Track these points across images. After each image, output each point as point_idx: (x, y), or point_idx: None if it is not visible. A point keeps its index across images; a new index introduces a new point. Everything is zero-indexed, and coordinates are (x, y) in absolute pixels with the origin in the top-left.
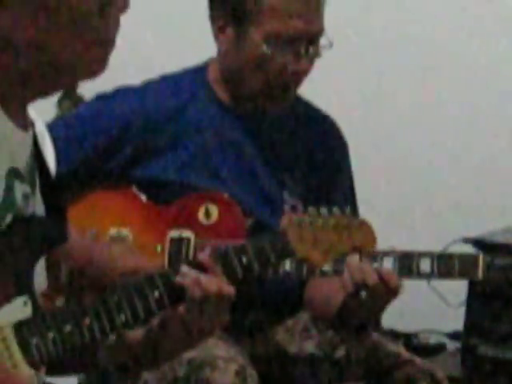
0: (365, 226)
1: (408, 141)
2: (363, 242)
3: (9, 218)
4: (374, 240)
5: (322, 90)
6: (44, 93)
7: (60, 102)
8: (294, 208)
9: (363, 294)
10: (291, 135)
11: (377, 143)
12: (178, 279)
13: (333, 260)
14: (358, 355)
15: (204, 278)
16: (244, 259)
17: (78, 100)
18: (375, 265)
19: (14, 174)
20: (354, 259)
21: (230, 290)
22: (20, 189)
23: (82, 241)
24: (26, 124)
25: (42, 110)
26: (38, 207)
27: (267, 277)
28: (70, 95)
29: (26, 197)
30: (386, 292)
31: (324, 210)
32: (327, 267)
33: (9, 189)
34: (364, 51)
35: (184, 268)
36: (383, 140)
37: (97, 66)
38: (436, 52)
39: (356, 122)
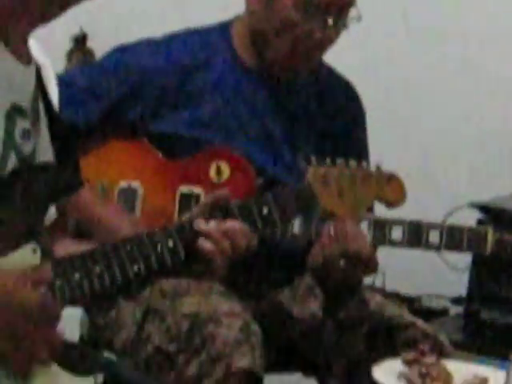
0: (394, 181)
1: (415, 102)
2: (392, 197)
3: (12, 158)
4: (403, 195)
5: None
6: (44, 16)
7: (70, 55)
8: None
9: (342, 262)
10: (310, 100)
11: (382, 107)
12: (200, 242)
13: (360, 214)
14: (360, 316)
15: (216, 232)
16: (265, 209)
17: (88, 53)
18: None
19: (15, 109)
20: (331, 224)
21: (242, 243)
22: (20, 125)
23: (92, 199)
24: (27, 58)
25: (52, 62)
26: (46, 153)
27: (276, 236)
28: (79, 48)
29: (25, 133)
30: (363, 263)
31: (353, 163)
32: None
33: (10, 126)
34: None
35: (197, 222)
36: (389, 102)
37: None
38: None
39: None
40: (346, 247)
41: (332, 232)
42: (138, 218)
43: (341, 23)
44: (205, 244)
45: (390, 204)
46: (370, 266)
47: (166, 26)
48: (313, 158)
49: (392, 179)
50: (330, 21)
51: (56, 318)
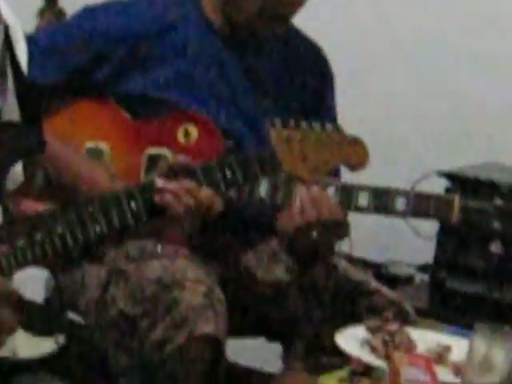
0: (358, 144)
1: (383, 69)
2: (355, 160)
3: None
4: (366, 158)
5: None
6: None
7: (41, 13)
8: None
9: (314, 233)
10: (278, 63)
11: (353, 75)
12: (157, 197)
13: (323, 175)
14: (325, 282)
15: (179, 189)
16: (228, 172)
17: (60, 13)
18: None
19: None
20: (304, 192)
21: (219, 204)
22: None
23: (62, 149)
24: None
25: (23, 21)
26: (12, 112)
27: (242, 199)
28: (51, 7)
29: None
30: (336, 230)
31: (316, 125)
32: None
33: None
34: None
35: (159, 181)
36: (359, 72)
37: None
38: None
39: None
40: (318, 214)
41: (304, 200)
42: (113, 169)
43: None
44: (166, 197)
45: (353, 167)
46: (343, 231)
47: None
48: (277, 121)
49: (355, 142)
50: None
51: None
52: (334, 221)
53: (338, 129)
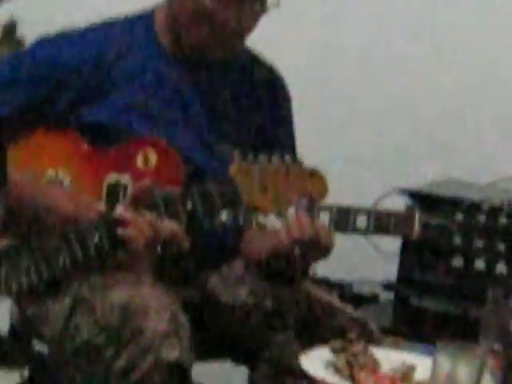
0: (317, 176)
1: (346, 89)
2: (315, 192)
3: None
4: (325, 190)
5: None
6: None
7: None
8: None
9: (296, 249)
10: (234, 85)
11: (321, 92)
12: (120, 231)
13: (282, 208)
14: (288, 304)
15: (139, 220)
16: (189, 204)
17: (18, 42)
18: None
19: None
20: (291, 213)
21: (163, 232)
22: None
23: (20, 181)
24: None
25: None
26: None
27: (206, 225)
28: (9, 36)
29: None
30: (319, 249)
31: (276, 158)
32: (263, 219)
33: None
34: None
35: (119, 210)
36: (327, 89)
37: None
38: None
39: (303, 71)
40: (302, 234)
41: (290, 220)
42: (74, 191)
43: (259, 9)
44: (128, 231)
45: (313, 199)
46: (327, 251)
47: (98, 12)
48: (235, 154)
49: (314, 174)
50: (246, 8)
51: None
52: (317, 241)
53: (296, 161)
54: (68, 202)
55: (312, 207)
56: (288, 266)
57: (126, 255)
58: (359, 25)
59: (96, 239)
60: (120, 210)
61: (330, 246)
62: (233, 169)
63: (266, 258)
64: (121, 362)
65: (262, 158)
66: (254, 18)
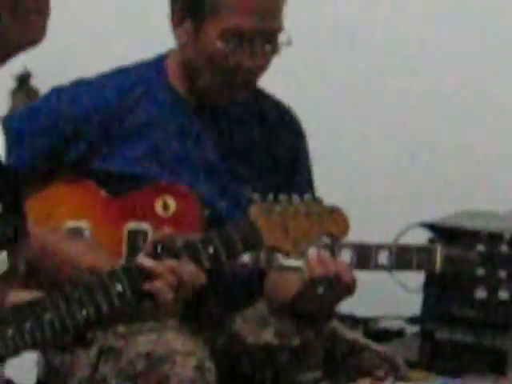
0: (337, 213)
1: (359, 121)
2: (336, 230)
3: None
4: (347, 227)
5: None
6: None
7: (13, 94)
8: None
9: (320, 288)
10: (249, 129)
11: (330, 129)
12: (146, 286)
13: (305, 248)
14: (314, 343)
15: (163, 269)
16: (211, 249)
17: (32, 92)
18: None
19: None
20: (313, 252)
21: (202, 278)
22: None
23: (40, 233)
24: None
25: None
26: None
27: (228, 268)
28: (23, 87)
29: None
30: (342, 287)
31: (295, 197)
32: (286, 260)
33: None
34: None
35: (143, 260)
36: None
37: (37, 33)
38: None
39: (305, 105)
40: (325, 272)
41: (312, 258)
42: (94, 244)
43: (270, 49)
44: (156, 285)
45: (334, 237)
46: (350, 288)
47: (111, 61)
48: (255, 195)
49: (335, 212)
50: (259, 49)
51: None
52: (339, 279)
53: (316, 199)
54: (88, 255)
55: (332, 245)
56: (313, 307)
57: (153, 306)
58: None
59: (119, 289)
60: (143, 260)
61: (352, 283)
62: (253, 210)
63: (291, 299)
64: None
65: (282, 198)
66: (266, 59)
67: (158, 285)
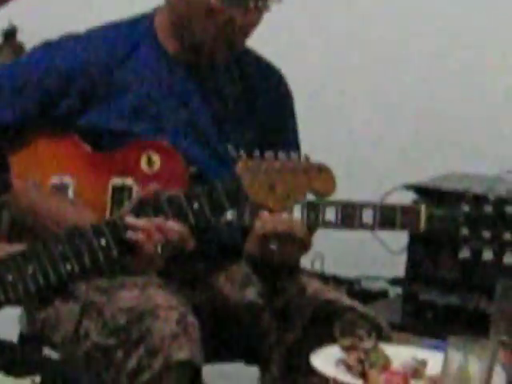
0: (324, 171)
1: (344, 85)
2: (322, 188)
3: None
4: (333, 185)
5: None
6: None
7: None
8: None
9: (274, 245)
10: (237, 87)
11: (318, 90)
12: (129, 235)
13: (291, 205)
14: (298, 303)
15: (150, 226)
16: (196, 204)
17: (18, 48)
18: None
19: None
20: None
21: (173, 235)
22: None
23: (25, 188)
24: None
25: None
26: None
27: (213, 225)
28: (9, 42)
29: None
30: (295, 243)
31: (282, 155)
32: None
33: None
34: None
35: (129, 218)
36: (317, 85)
37: None
38: None
39: (296, 68)
40: (274, 227)
41: (264, 213)
42: (80, 200)
43: (262, 6)
44: (135, 235)
45: (321, 195)
46: (303, 245)
47: (98, 17)
48: (241, 152)
49: (322, 170)
50: (251, 4)
51: None
52: (291, 235)
53: (303, 157)
54: (72, 212)
55: (317, 203)
56: (272, 261)
57: (134, 259)
58: (364, 15)
59: (103, 243)
60: (128, 216)
61: (306, 241)
62: (239, 167)
63: (251, 254)
64: (131, 364)
65: (268, 155)
66: (258, 15)
67: (140, 236)
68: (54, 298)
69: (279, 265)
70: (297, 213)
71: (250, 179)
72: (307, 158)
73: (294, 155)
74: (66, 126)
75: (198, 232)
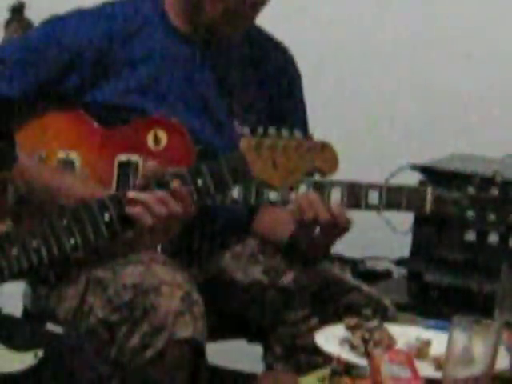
0: (327, 149)
1: (351, 65)
2: (325, 166)
3: None
4: (336, 163)
5: None
6: None
7: (7, 25)
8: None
9: (314, 232)
10: (244, 64)
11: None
12: (128, 210)
13: (294, 183)
14: (304, 282)
15: (151, 199)
16: (199, 181)
17: (26, 23)
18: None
19: None
20: (301, 194)
21: (177, 208)
22: None
23: (31, 163)
24: None
25: None
26: None
27: (215, 203)
28: (17, 17)
29: None
30: (336, 228)
31: (285, 132)
32: (275, 196)
33: None
34: None
35: (132, 193)
36: (326, 66)
37: None
38: None
39: (303, 50)
40: (315, 216)
41: (302, 203)
42: (87, 174)
43: None
44: (135, 209)
45: (323, 173)
46: (345, 229)
47: None
48: (245, 128)
49: (325, 148)
50: None
51: None
52: (332, 223)
53: (306, 135)
54: (79, 186)
55: (322, 182)
56: (308, 247)
57: (134, 234)
58: (367, 4)
59: (107, 218)
60: (131, 191)
61: (346, 226)
62: (243, 144)
63: (287, 239)
64: (134, 341)
65: (272, 132)
66: None
67: (138, 210)
68: (59, 275)
69: (312, 250)
70: (335, 194)
71: (254, 156)
72: (311, 137)
73: (297, 133)
74: (73, 101)
75: (203, 209)
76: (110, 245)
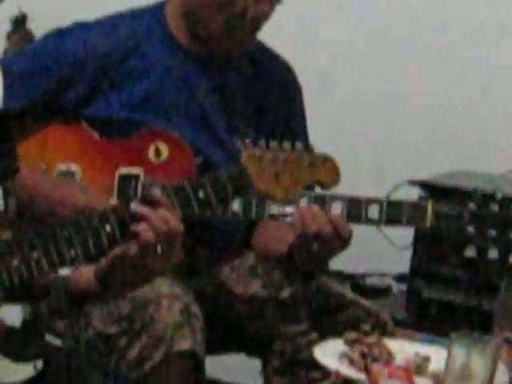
0: (329, 162)
1: (354, 79)
2: (327, 178)
3: None
4: (337, 176)
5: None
6: None
7: (9, 36)
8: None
9: (315, 245)
10: (246, 79)
11: (325, 85)
12: (133, 228)
13: (295, 195)
14: (303, 296)
15: (153, 216)
16: (201, 193)
17: (28, 34)
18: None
19: None
20: (304, 207)
21: (178, 227)
22: None
23: (32, 175)
24: None
25: None
26: None
27: (216, 215)
28: (19, 29)
29: None
30: (338, 240)
31: (287, 145)
32: (276, 209)
33: None
34: None
35: (134, 205)
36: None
37: None
38: None
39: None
40: (319, 229)
41: (304, 215)
42: (86, 185)
43: None
44: (139, 226)
45: (325, 186)
46: (346, 241)
47: (108, 6)
48: (247, 141)
49: (326, 161)
50: None
51: None
52: (334, 235)
53: (308, 148)
54: (80, 195)
55: (323, 196)
56: (308, 260)
57: (139, 251)
58: (369, 15)
59: (109, 229)
60: (134, 204)
61: (348, 239)
62: (244, 156)
63: (285, 252)
64: (133, 353)
65: (273, 145)
66: (271, 7)
67: (142, 227)
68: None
69: (312, 264)
70: (336, 209)
71: (256, 168)
72: (312, 149)
73: (298, 146)
74: (74, 113)
75: (203, 222)
76: (126, 276)
